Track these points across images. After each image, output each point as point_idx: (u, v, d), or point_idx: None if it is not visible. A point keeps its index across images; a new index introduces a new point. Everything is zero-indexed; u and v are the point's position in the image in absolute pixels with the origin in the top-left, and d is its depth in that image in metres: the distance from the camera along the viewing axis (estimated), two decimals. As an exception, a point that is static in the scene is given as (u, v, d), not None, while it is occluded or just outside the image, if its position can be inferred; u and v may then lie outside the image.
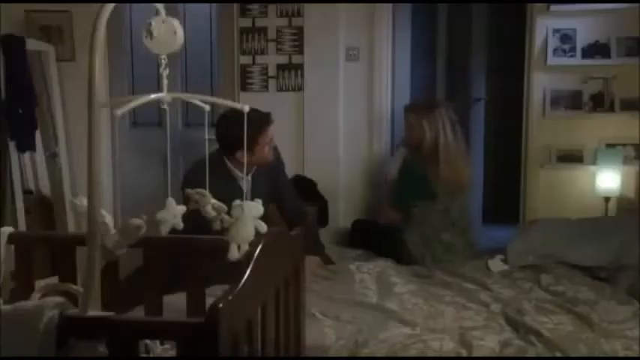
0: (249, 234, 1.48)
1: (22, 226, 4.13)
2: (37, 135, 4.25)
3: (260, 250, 1.47)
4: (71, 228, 4.49)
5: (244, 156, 2.26)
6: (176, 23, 1.41)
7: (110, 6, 1.24)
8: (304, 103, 4.33)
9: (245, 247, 1.51)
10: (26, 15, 4.35)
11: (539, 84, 4.15)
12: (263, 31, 4.36)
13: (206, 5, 4.49)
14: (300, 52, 4.34)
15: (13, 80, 4.07)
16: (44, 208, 4.51)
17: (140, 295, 2.12)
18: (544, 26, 4.10)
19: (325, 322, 2.48)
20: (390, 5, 4.36)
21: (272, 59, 4.37)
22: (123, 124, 4.62)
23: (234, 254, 1.50)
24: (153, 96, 1.42)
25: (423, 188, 3.58)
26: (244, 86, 4.42)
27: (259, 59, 4.39)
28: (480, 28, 4.76)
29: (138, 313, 2.21)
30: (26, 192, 4.25)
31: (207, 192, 1.61)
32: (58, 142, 4.43)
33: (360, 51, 4.34)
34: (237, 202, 1.49)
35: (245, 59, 4.39)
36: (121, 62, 4.55)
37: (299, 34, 4.33)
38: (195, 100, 1.57)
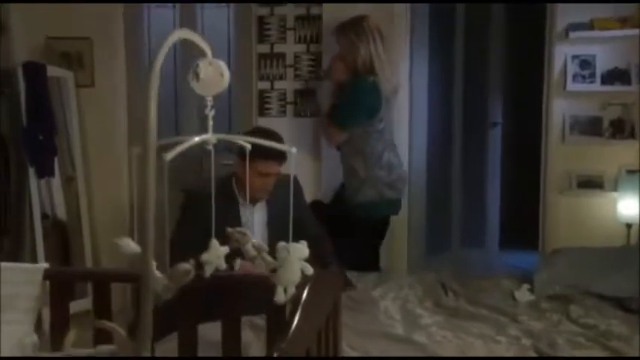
0: (296, 277, 1.47)
1: (41, 252, 4.14)
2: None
3: (307, 294, 1.47)
4: (88, 254, 4.49)
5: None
6: (223, 65, 1.41)
7: (164, 50, 1.23)
8: (323, 128, 4.33)
9: (292, 291, 1.50)
10: (46, 41, 4.37)
11: (559, 110, 4.15)
12: (281, 57, 4.38)
13: (224, 30, 4.50)
14: (318, 78, 4.34)
15: (34, 107, 4.09)
16: (59, 232, 4.52)
17: (174, 322, 2.12)
18: (563, 52, 4.10)
19: (355, 355, 2.46)
20: (409, 32, 4.38)
21: (290, 85, 4.39)
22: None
23: (280, 297, 1.50)
24: (198, 139, 1.42)
25: (368, 104, 3.74)
26: (262, 111, 4.43)
27: (277, 85, 4.40)
28: (496, 53, 4.79)
29: (172, 342, 2.20)
30: (42, 216, 4.26)
31: (247, 231, 1.61)
32: (75, 167, 4.44)
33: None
34: (282, 244, 1.48)
35: (263, 84, 4.41)
36: (140, 87, 4.55)
37: (317, 60, 4.34)
38: (239, 141, 1.57)
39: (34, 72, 4.11)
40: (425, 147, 4.60)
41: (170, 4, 4.53)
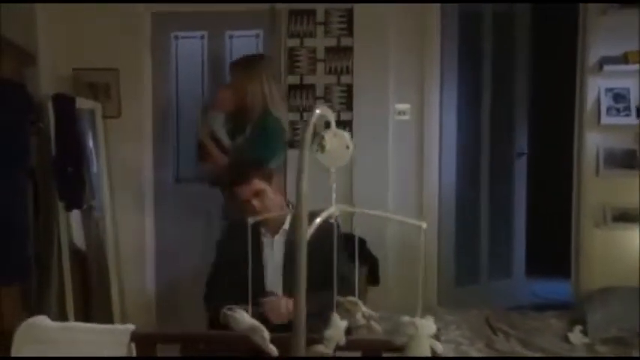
0: (425, 354, 1.43)
1: (69, 286, 4.07)
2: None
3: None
4: (114, 287, 4.43)
5: None
6: (347, 137, 1.38)
7: (311, 127, 1.21)
8: (353, 159, 4.28)
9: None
10: (73, 73, 4.33)
11: (592, 143, 4.14)
12: (311, 88, 4.35)
13: (253, 61, 4.46)
14: (349, 109, 4.32)
15: (63, 139, 4.03)
16: (78, 262, 4.45)
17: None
18: (596, 85, 4.10)
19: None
20: (439, 63, 4.37)
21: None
22: (167, 179, 4.58)
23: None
24: (324, 215, 1.38)
25: (282, 140, 3.73)
26: (292, 143, 4.38)
27: (307, 116, 4.36)
28: (522, 84, 4.79)
29: None
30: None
31: (358, 300, 1.58)
32: (95, 196, 4.38)
33: (410, 109, 4.33)
34: (406, 318, 1.45)
35: (292, 115, 4.37)
36: (165, 124, 4.53)
37: (348, 92, 4.32)
38: (366, 211, 1.54)
39: (64, 104, 4.06)
40: (454, 175, 4.57)
41: (198, 34, 4.49)
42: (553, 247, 4.78)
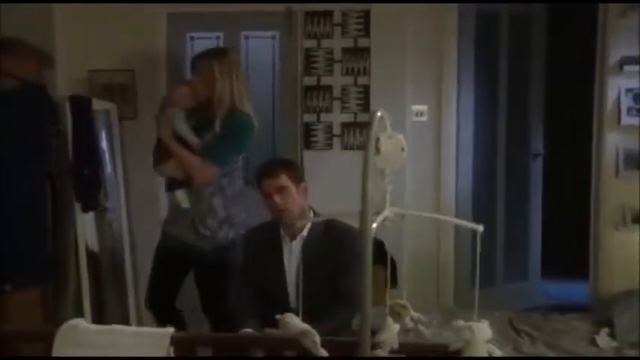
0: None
1: (86, 288, 4.05)
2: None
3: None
4: (130, 289, 4.41)
5: None
6: (402, 139, 1.36)
7: (378, 117, 1.20)
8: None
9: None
10: (90, 74, 4.31)
11: (612, 143, 4.13)
12: (328, 89, 4.33)
13: (269, 63, 4.45)
14: (366, 110, 4.30)
15: (80, 141, 4.02)
16: (91, 264, 4.43)
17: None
18: (616, 86, 4.09)
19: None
20: (456, 64, 4.35)
21: (337, 117, 4.34)
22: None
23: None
24: (379, 218, 1.36)
25: (246, 139, 3.43)
26: (308, 144, 4.38)
27: (324, 117, 4.35)
28: (537, 84, 4.78)
29: None
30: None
31: (407, 303, 1.56)
32: (108, 198, 4.36)
33: (427, 110, 4.32)
34: (460, 322, 1.43)
35: (309, 117, 4.36)
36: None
37: (365, 93, 4.30)
38: (422, 214, 1.53)
39: (80, 105, 4.04)
40: (470, 176, 4.56)
41: (214, 35, 4.47)
42: (569, 248, 4.76)
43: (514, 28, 4.68)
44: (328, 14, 4.30)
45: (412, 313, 1.55)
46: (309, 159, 4.35)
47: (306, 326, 1.55)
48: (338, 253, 2.87)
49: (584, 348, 2.99)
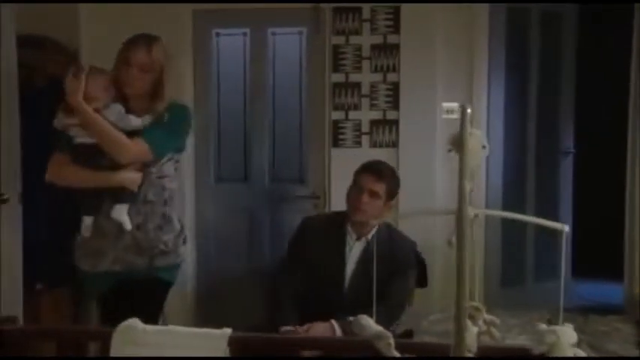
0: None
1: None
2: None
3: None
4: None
5: None
6: (483, 136, 1.30)
7: (469, 113, 1.17)
8: (399, 159, 4.21)
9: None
10: (116, 71, 4.25)
11: (648, 140, 4.05)
12: (357, 86, 4.27)
13: (296, 60, 4.39)
14: (395, 107, 4.24)
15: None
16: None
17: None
18: (652, 83, 4.02)
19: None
20: (487, 61, 4.29)
21: (365, 115, 4.28)
22: (208, 179, 4.50)
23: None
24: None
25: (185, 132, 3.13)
26: (336, 142, 4.32)
27: (352, 115, 4.29)
28: (570, 81, 4.72)
29: None
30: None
31: (481, 305, 1.50)
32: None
33: (457, 107, 4.24)
34: (542, 326, 1.37)
35: (337, 115, 4.30)
36: (207, 123, 4.45)
37: (394, 90, 4.24)
38: (502, 214, 1.47)
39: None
40: (500, 174, 4.50)
41: (240, 31, 4.41)
42: (601, 248, 4.69)
43: (545, 25, 4.62)
44: (357, 10, 4.24)
45: (485, 315, 1.49)
46: (338, 157, 4.29)
47: (380, 328, 1.50)
48: (398, 259, 3.06)
49: (629, 351, 2.91)
